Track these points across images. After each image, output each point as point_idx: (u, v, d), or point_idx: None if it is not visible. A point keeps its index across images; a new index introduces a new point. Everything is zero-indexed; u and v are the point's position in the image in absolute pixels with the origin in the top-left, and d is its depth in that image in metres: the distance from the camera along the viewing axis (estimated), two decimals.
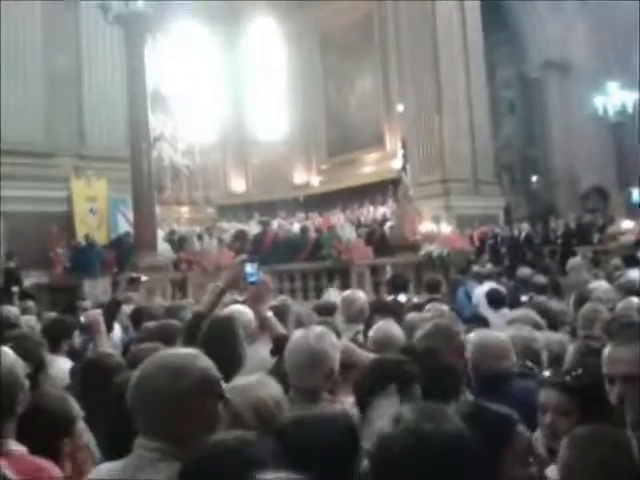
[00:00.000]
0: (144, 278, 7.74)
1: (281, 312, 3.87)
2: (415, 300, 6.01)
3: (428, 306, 4.29)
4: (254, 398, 1.77)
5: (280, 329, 3.22)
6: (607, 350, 1.90)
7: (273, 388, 1.86)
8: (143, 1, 9.39)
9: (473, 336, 2.91)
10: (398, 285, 6.67)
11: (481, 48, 19.10)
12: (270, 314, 3.30)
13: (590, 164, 21.40)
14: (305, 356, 2.31)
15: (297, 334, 2.48)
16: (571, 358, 2.81)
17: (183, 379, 1.47)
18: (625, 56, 22.72)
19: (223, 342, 2.75)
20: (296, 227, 15.35)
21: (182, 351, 1.63)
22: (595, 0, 22.10)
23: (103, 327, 3.93)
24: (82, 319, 4.98)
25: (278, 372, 2.39)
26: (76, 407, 2.16)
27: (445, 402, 1.67)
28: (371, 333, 3.31)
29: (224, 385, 1.60)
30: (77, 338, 4.24)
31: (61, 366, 3.63)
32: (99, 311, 4.15)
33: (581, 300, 4.49)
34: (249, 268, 3.20)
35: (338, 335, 2.95)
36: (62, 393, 2.36)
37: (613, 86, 18.08)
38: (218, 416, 1.54)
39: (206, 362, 1.56)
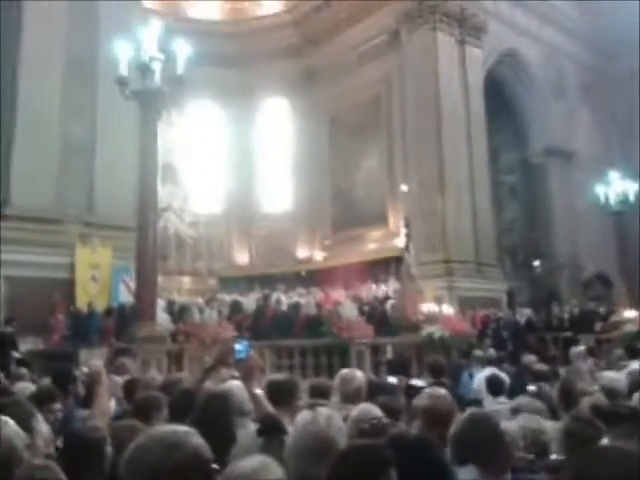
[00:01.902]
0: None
1: (290, 389, 3.70)
2: (414, 382, 5.89)
3: (427, 389, 4.20)
4: None
5: (268, 408, 3.14)
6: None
7: (276, 474, 1.80)
8: (159, 79, 9.73)
9: None
10: (397, 367, 6.56)
11: (484, 132, 19.65)
12: (259, 392, 3.23)
13: (592, 251, 21.54)
14: (313, 442, 2.18)
15: (304, 416, 2.35)
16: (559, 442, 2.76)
17: (176, 454, 1.46)
18: (627, 145, 23.36)
19: (217, 419, 2.69)
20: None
21: (177, 427, 1.62)
22: (597, 89, 22.97)
23: (104, 379, 3.90)
24: (83, 369, 4.96)
25: (266, 454, 2.30)
26: (62, 476, 2.12)
27: None
28: (353, 415, 3.21)
29: (223, 468, 1.57)
30: (58, 412, 4.10)
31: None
32: (101, 362, 4.13)
33: (566, 391, 4.41)
34: (238, 345, 3.21)
35: None
36: (46, 462, 2.31)
37: (614, 175, 18.41)
38: None
39: (199, 440, 1.55)
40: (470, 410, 2.83)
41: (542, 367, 6.40)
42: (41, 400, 3.92)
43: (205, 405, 2.86)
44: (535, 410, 3.66)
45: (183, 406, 3.17)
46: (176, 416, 3.06)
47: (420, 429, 3.09)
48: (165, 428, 1.61)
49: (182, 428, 1.59)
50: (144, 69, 9.53)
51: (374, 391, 4.27)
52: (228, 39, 22.18)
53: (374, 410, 3.15)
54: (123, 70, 9.73)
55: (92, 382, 4.06)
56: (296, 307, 14.08)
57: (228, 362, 3.71)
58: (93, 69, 14.29)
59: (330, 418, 2.27)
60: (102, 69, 13.65)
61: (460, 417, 2.72)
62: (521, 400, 4.07)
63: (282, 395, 3.52)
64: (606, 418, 2.99)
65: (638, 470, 1.55)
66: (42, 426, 3.12)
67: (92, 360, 5.21)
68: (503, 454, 2.49)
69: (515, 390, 5.62)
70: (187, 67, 9.82)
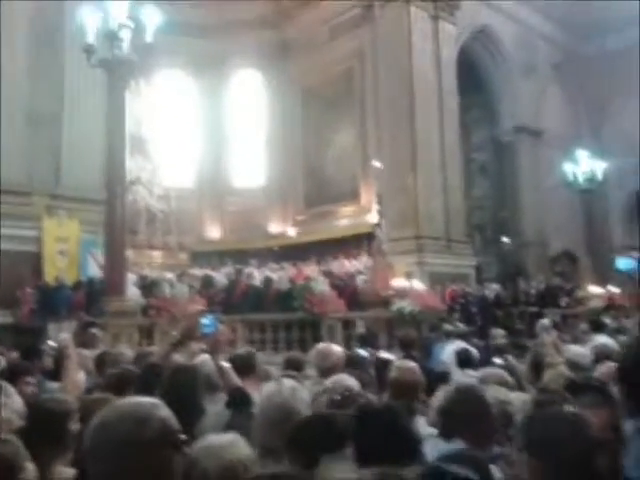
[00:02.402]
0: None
1: (248, 361, 3.76)
2: (384, 355, 5.96)
3: (397, 362, 4.26)
4: (224, 460, 1.73)
5: (236, 380, 3.15)
6: None
7: (244, 451, 1.81)
8: (127, 47, 9.51)
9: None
10: (366, 340, 6.64)
11: (456, 110, 19.70)
12: (227, 365, 3.24)
13: (559, 228, 21.94)
14: (277, 413, 2.21)
15: (269, 388, 2.39)
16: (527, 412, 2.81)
17: (144, 428, 1.44)
18: (595, 124, 23.69)
19: (184, 391, 2.69)
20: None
21: (143, 400, 1.59)
22: (568, 68, 23.19)
23: (73, 351, 3.88)
24: (50, 343, 4.92)
25: (233, 426, 2.31)
26: (23, 451, 2.10)
27: (400, 464, 1.65)
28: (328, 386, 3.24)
29: (190, 440, 1.56)
30: (31, 386, 4.06)
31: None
32: (70, 336, 4.12)
33: (535, 363, 4.52)
34: (205, 319, 3.22)
35: None
36: (9, 437, 2.28)
37: (583, 154, 18.71)
38: (175, 468, 1.50)
39: (166, 412, 1.53)
40: (456, 383, 2.85)
41: (502, 341, 6.57)
42: (15, 373, 3.89)
43: (172, 378, 2.85)
44: (501, 381, 3.75)
45: (150, 380, 3.16)
46: (143, 390, 3.05)
47: (388, 399, 3.14)
48: (130, 401, 1.58)
49: (148, 400, 1.56)
50: (112, 37, 9.30)
51: (347, 364, 4.33)
52: (198, 7, 21.64)
53: (348, 380, 3.20)
54: (90, 38, 9.48)
55: (61, 356, 4.05)
56: (268, 282, 14.09)
57: (194, 336, 3.72)
58: (60, 37, 13.88)
59: (294, 390, 2.30)
60: (69, 37, 13.29)
61: (445, 390, 2.71)
62: (488, 371, 4.15)
63: (244, 367, 3.56)
64: (574, 389, 3.06)
65: (584, 430, 1.67)
66: (12, 399, 3.08)
67: (61, 334, 5.19)
68: (490, 427, 2.47)
69: (483, 363, 5.74)
70: (156, 36, 9.61)
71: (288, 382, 2.47)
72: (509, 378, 3.99)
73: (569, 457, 1.63)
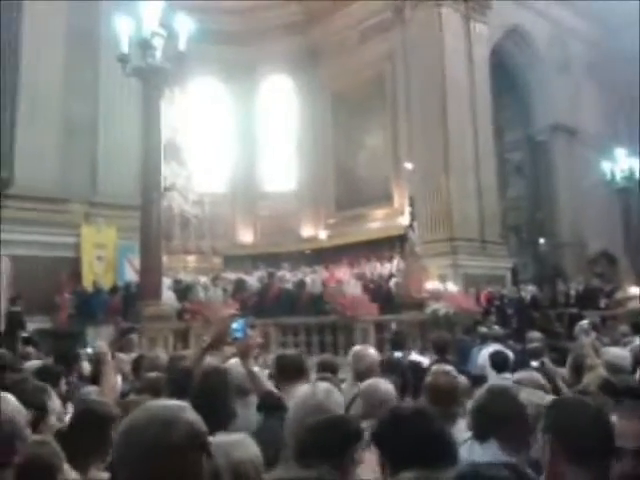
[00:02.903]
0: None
1: (299, 365, 3.63)
2: (416, 358, 5.92)
3: (434, 367, 4.20)
4: (235, 459, 1.74)
5: (266, 385, 3.15)
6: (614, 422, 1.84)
7: (252, 450, 1.82)
8: (161, 56, 9.65)
9: None
10: (396, 343, 6.59)
11: (489, 110, 19.46)
12: (257, 369, 3.25)
13: (597, 228, 21.45)
14: (311, 415, 2.19)
15: (303, 390, 2.40)
16: None
17: (171, 430, 1.43)
18: (632, 121, 23.10)
19: (215, 395, 2.70)
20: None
21: (170, 403, 1.60)
22: (603, 65, 22.69)
23: (109, 357, 3.96)
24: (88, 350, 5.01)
25: (265, 430, 2.31)
26: (60, 453, 2.13)
27: (437, 468, 1.63)
28: (362, 389, 3.21)
29: (210, 439, 1.57)
30: (63, 386, 4.16)
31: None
32: (106, 342, 4.21)
33: (577, 366, 4.43)
34: (235, 324, 3.22)
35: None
36: (44, 438, 2.31)
37: (620, 152, 18.26)
38: (202, 471, 1.51)
39: (193, 415, 1.52)
40: (489, 384, 2.81)
41: (539, 344, 6.43)
42: (50, 376, 3.98)
43: (203, 382, 2.86)
44: (536, 384, 3.67)
45: (182, 383, 3.18)
46: (175, 394, 3.08)
47: (425, 404, 3.10)
48: (157, 404, 1.57)
49: (175, 403, 1.56)
50: (145, 45, 9.44)
51: (384, 368, 4.27)
52: (229, 15, 21.91)
53: (383, 384, 3.17)
54: (124, 47, 9.65)
55: (98, 362, 4.14)
56: (301, 285, 14.11)
57: (225, 341, 3.72)
58: (95, 46, 14.18)
59: (329, 392, 2.29)
60: (104, 46, 13.55)
61: (479, 391, 2.67)
62: (523, 374, 4.08)
63: (294, 370, 3.48)
64: (611, 391, 2.98)
65: (605, 421, 1.78)
66: (54, 402, 3.15)
67: (98, 341, 5.31)
68: (524, 428, 2.39)
69: (519, 366, 5.63)
70: (189, 44, 9.73)
71: (322, 384, 2.46)
72: (544, 381, 3.91)
73: (590, 442, 1.71)
